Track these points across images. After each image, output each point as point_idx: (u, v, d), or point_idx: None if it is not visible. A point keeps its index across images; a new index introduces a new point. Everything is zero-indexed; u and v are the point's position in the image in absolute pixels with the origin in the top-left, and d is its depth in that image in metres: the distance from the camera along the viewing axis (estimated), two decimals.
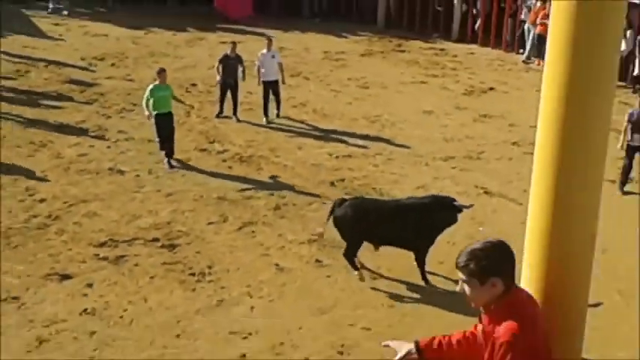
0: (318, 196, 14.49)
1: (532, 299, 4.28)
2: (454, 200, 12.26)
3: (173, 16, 24.65)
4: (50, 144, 16.22)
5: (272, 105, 17.94)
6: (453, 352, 4.42)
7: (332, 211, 12.00)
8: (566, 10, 4.13)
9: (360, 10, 25.63)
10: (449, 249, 12.88)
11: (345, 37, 24.17)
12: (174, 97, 15.98)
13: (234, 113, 17.76)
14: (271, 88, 17.83)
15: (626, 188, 15.29)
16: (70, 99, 18.53)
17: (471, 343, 4.41)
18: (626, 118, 15.18)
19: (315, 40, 23.69)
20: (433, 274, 12.19)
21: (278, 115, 18.04)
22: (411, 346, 4.48)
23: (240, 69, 17.66)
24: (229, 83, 17.64)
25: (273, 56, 17.88)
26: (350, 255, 11.77)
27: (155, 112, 15.53)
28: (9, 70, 20.02)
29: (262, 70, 17.80)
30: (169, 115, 15.62)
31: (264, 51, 17.87)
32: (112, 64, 20.69)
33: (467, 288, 4.28)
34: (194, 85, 19.69)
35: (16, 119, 17.25)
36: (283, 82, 18.16)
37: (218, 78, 17.69)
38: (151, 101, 15.48)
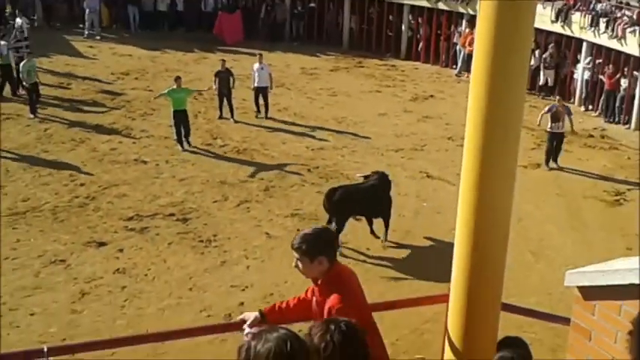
0: (298, 179, 14.52)
1: (349, 272, 4.22)
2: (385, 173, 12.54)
3: (183, 40, 24.45)
4: (88, 140, 16.10)
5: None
6: (290, 314, 4.29)
7: (329, 199, 11.89)
8: (487, 34, 4.19)
9: (329, 35, 25.54)
10: (400, 220, 13.02)
11: (318, 57, 24.10)
12: (191, 92, 16.66)
13: (232, 116, 17.71)
14: (261, 92, 17.95)
15: (551, 165, 15.69)
16: (103, 105, 18.37)
17: (304, 306, 4.27)
18: (546, 109, 15.92)
19: (294, 58, 23.61)
20: (388, 240, 12.31)
21: (266, 117, 17.99)
22: (257, 313, 4.31)
23: (230, 80, 17.63)
24: (224, 92, 17.61)
25: (262, 68, 18.00)
26: (339, 231, 11.70)
27: (173, 110, 15.86)
28: (54, 82, 19.82)
29: (255, 79, 17.93)
30: (184, 111, 15.91)
31: (257, 64, 18.00)
32: (135, 78, 20.53)
33: (300, 264, 4.15)
34: (200, 94, 19.51)
35: (61, 121, 17.09)
36: (271, 89, 18.18)
37: (215, 87, 17.67)
38: (170, 101, 15.95)
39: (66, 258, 11.29)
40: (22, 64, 17.40)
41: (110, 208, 13.03)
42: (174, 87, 16.05)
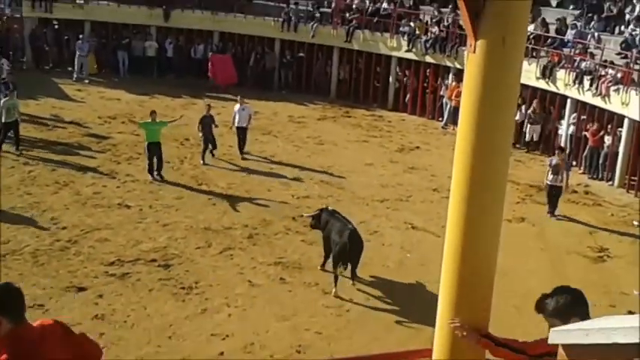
0: (282, 227, 14.47)
1: (42, 336, 4.00)
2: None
3: (171, 85, 24.59)
4: (72, 183, 16.02)
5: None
6: None
7: (354, 240, 12.02)
8: (473, 88, 4.23)
9: (317, 85, 25.78)
10: (384, 270, 12.98)
11: (305, 105, 24.28)
12: (164, 124, 17.15)
13: (212, 150, 18.26)
14: (241, 132, 18.68)
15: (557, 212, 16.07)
16: (89, 148, 18.33)
17: None
18: (548, 163, 16.38)
19: (282, 107, 23.76)
20: (369, 292, 12.25)
21: (242, 155, 18.57)
22: None
23: (213, 125, 18.10)
24: (209, 138, 18.06)
25: (243, 109, 18.72)
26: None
27: (147, 142, 16.55)
28: (41, 125, 19.81)
29: (236, 119, 18.63)
30: (158, 144, 16.57)
31: (237, 105, 18.76)
32: (122, 122, 20.57)
33: None
34: (187, 139, 19.61)
35: (46, 164, 17.03)
36: (250, 124, 18.93)
37: (200, 135, 18.10)
38: (145, 133, 16.74)
39: (44, 302, 11.12)
40: (2, 101, 17.48)
41: (91, 252, 12.89)
42: (150, 120, 16.79)
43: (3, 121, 17.34)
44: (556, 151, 16.81)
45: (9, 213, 14.21)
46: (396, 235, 14.59)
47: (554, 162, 15.92)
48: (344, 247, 12.00)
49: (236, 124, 18.65)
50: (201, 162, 18.02)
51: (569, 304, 3.91)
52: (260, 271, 12.68)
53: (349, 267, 12.21)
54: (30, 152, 17.62)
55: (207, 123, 17.99)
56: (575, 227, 15.67)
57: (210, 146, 18.20)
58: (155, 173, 16.54)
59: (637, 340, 2.79)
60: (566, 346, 3.25)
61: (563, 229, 15.55)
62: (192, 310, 11.27)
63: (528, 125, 20.78)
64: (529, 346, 4.26)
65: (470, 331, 4.28)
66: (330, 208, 13.23)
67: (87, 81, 24.49)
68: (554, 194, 15.94)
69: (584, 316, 3.87)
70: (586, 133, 19.31)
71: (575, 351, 3.19)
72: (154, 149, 16.49)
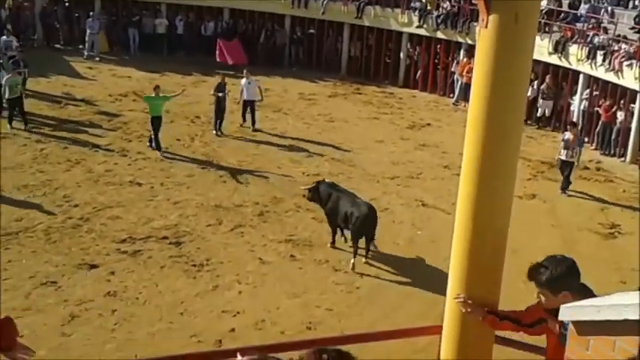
0: (293, 205, 14.47)
1: None
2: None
3: (182, 63, 24.51)
4: (83, 161, 16.06)
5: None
6: None
7: (372, 213, 12.24)
8: (485, 64, 4.19)
9: (327, 62, 25.64)
10: (394, 248, 12.99)
11: (316, 83, 24.17)
12: (168, 98, 17.36)
13: (220, 125, 18.53)
14: (250, 105, 18.91)
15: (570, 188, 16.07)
16: (100, 126, 18.36)
17: None
18: (561, 138, 16.46)
19: (292, 84, 23.67)
20: (379, 268, 12.27)
21: (253, 129, 18.75)
22: None
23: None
24: (221, 107, 18.40)
25: (250, 82, 18.85)
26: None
27: (151, 116, 16.84)
28: (52, 103, 19.84)
29: (244, 93, 18.81)
30: (160, 117, 16.88)
31: (244, 79, 18.90)
32: (133, 100, 20.51)
33: None
34: (198, 117, 19.60)
35: (57, 142, 17.07)
36: (261, 99, 19.13)
37: (213, 100, 18.48)
38: (148, 107, 17.05)
39: (57, 280, 11.20)
40: (5, 79, 17.60)
41: (103, 230, 12.95)
42: (153, 94, 16.99)
43: (7, 97, 17.51)
44: (568, 127, 16.72)
45: (22, 190, 14.28)
46: (406, 213, 14.57)
47: (566, 137, 15.87)
48: (364, 220, 12.09)
49: (244, 98, 18.86)
50: (214, 132, 18.36)
51: (562, 276, 3.91)
52: (270, 249, 12.72)
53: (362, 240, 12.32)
54: (42, 130, 17.66)
55: (222, 90, 18.39)
56: (586, 203, 15.60)
57: (220, 117, 18.46)
58: (155, 145, 16.91)
59: None
60: (576, 323, 3.24)
61: (574, 205, 15.48)
62: (203, 287, 11.32)
63: (541, 100, 20.63)
64: (523, 316, 4.30)
65: (475, 307, 4.29)
66: (327, 180, 13.36)
67: (98, 59, 24.45)
68: (566, 170, 15.88)
69: (576, 287, 3.89)
70: (598, 108, 19.16)
71: (586, 327, 3.18)
72: (157, 123, 16.84)
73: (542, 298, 4.02)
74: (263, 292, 11.31)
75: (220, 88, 18.43)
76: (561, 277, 3.89)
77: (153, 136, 16.87)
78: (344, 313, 10.90)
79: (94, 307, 10.57)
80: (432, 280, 11.48)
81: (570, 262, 3.96)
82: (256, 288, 11.44)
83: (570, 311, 3.29)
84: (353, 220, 12.19)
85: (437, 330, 4.75)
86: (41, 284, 11.02)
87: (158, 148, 16.78)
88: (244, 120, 19.03)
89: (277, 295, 11.25)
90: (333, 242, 12.83)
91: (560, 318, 3.43)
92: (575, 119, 19.66)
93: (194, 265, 11.94)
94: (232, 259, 12.24)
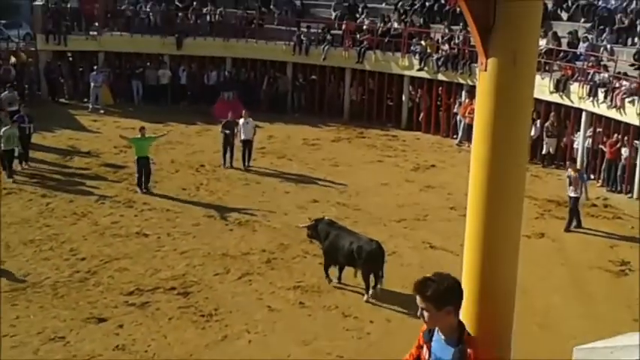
0: (300, 251, 14.44)
1: None
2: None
3: (185, 113, 24.76)
4: (90, 214, 16.11)
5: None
6: None
7: (380, 250, 12.51)
8: (487, 107, 4.22)
9: (330, 107, 25.85)
10: (403, 291, 12.89)
11: (319, 127, 24.32)
12: (154, 139, 18.30)
13: (231, 160, 19.67)
14: (247, 145, 19.68)
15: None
16: (105, 179, 18.46)
17: None
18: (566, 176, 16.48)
19: (296, 130, 23.83)
20: (389, 312, 12.19)
21: (248, 166, 19.56)
22: None
23: (235, 129, 19.58)
24: (229, 141, 19.48)
25: (248, 123, 19.68)
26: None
27: (136, 156, 17.57)
28: (58, 156, 19.98)
29: (242, 133, 19.60)
30: (147, 158, 17.65)
31: (242, 119, 19.68)
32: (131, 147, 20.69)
33: None
34: (202, 165, 19.71)
35: (63, 195, 17.15)
36: (254, 135, 19.90)
37: (222, 136, 19.57)
38: (134, 149, 17.80)
39: (65, 335, 11.13)
40: (2, 130, 17.93)
41: (111, 282, 12.92)
42: (139, 136, 17.76)
43: (3, 148, 17.84)
44: (568, 163, 16.94)
45: (28, 245, 14.29)
46: (414, 255, 14.51)
47: (568, 173, 16.19)
48: (375, 256, 12.39)
49: (242, 137, 19.53)
50: (222, 164, 19.37)
51: (448, 291, 3.94)
52: (279, 296, 12.65)
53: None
54: (47, 184, 17.76)
55: (229, 127, 19.33)
56: (595, 241, 15.52)
57: (229, 152, 19.43)
58: (143, 186, 17.47)
59: None
60: None
61: (583, 243, 15.40)
62: (212, 338, 11.23)
63: (546, 138, 20.69)
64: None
65: None
66: (326, 218, 13.61)
67: (102, 111, 24.70)
68: (572, 206, 15.93)
69: (458, 306, 3.96)
70: (602, 146, 19.19)
71: None
72: (143, 163, 17.52)
73: (426, 315, 4.00)
74: (273, 341, 11.21)
75: (228, 125, 19.38)
76: (447, 292, 3.91)
77: (137, 177, 17.52)
78: None
79: None
80: None
81: (458, 283, 4.03)
82: (266, 336, 11.35)
83: (583, 353, 3.27)
84: (363, 255, 12.38)
85: None
86: (49, 340, 10.95)
87: (145, 186, 17.47)
88: (246, 163, 19.60)
89: (287, 343, 11.15)
90: (327, 276, 13.11)
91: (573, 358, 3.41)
92: (579, 157, 19.70)
93: (202, 316, 11.86)
94: (241, 308, 12.17)
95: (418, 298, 3.99)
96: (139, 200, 16.98)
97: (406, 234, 15.58)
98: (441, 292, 3.91)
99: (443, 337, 4.03)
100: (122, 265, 13.63)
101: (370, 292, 12.49)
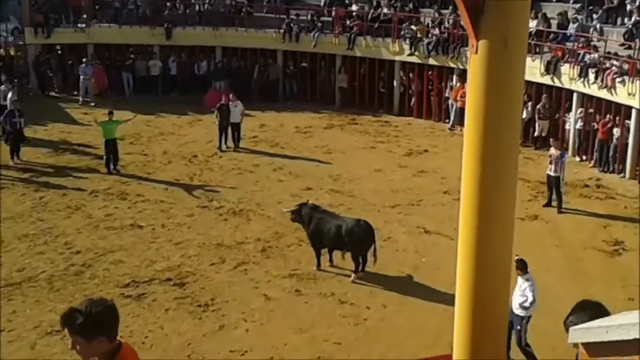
0: (295, 239, 14.44)
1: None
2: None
3: (177, 103, 24.67)
4: (83, 207, 16.07)
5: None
6: None
7: (370, 229, 12.69)
8: (478, 90, 4.22)
9: (322, 94, 25.79)
10: (399, 276, 12.94)
11: (311, 115, 24.30)
12: (120, 122, 18.94)
13: (236, 144, 20.34)
14: (234, 127, 20.24)
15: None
16: (98, 171, 18.40)
17: None
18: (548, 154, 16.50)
19: (288, 117, 23.80)
20: (386, 298, 12.21)
21: (237, 147, 20.21)
22: None
23: (232, 111, 20.10)
24: (223, 125, 20.03)
25: (236, 106, 20.16)
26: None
27: (104, 139, 18.24)
28: (50, 150, 19.91)
29: (230, 116, 20.07)
30: (114, 140, 18.41)
31: (230, 103, 20.10)
32: (130, 143, 20.63)
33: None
34: (195, 156, 19.67)
35: (56, 189, 17.10)
36: (241, 120, 20.44)
37: (216, 121, 20.07)
38: (102, 131, 18.48)
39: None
40: None
41: (106, 275, 12.91)
42: (106, 119, 18.54)
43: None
44: (551, 141, 17.10)
45: (22, 240, 14.26)
46: (409, 240, 14.54)
47: (550, 152, 16.26)
48: (366, 237, 12.54)
49: (230, 120, 20.09)
50: (218, 148, 19.84)
51: (98, 321, 3.59)
52: (275, 285, 12.67)
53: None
54: (40, 178, 17.70)
55: (224, 110, 19.81)
56: (589, 221, 15.58)
57: (224, 134, 20.01)
58: (112, 167, 18.22)
59: None
60: (586, 344, 3.22)
61: (576, 224, 15.46)
62: (209, 328, 11.25)
63: (538, 120, 20.71)
64: None
65: None
66: (310, 202, 13.72)
67: (93, 104, 24.58)
68: (553, 185, 16.07)
69: (112, 335, 3.63)
70: (595, 123, 19.21)
71: (596, 348, 3.16)
72: (111, 145, 18.26)
73: (78, 348, 3.65)
74: (270, 329, 11.24)
75: (222, 109, 19.90)
76: (97, 323, 3.56)
77: (105, 159, 18.21)
78: (352, 346, 10.82)
79: None
80: (439, 307, 11.42)
81: (109, 306, 3.67)
82: (263, 325, 11.37)
83: (579, 333, 3.28)
84: (354, 237, 12.50)
85: (447, 359, 4.72)
86: (46, 334, 10.95)
87: (114, 167, 18.21)
88: (226, 143, 20.19)
89: (284, 331, 11.18)
90: (319, 265, 13.11)
91: (569, 340, 3.41)
92: (571, 138, 19.73)
93: (199, 306, 11.87)
94: (237, 297, 12.19)
95: (66, 331, 3.64)
96: (132, 192, 16.95)
97: (400, 219, 15.60)
98: (90, 324, 3.55)
99: None
100: (117, 257, 13.62)
101: (355, 275, 12.67)
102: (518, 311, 10.21)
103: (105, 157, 18.31)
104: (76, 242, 14.23)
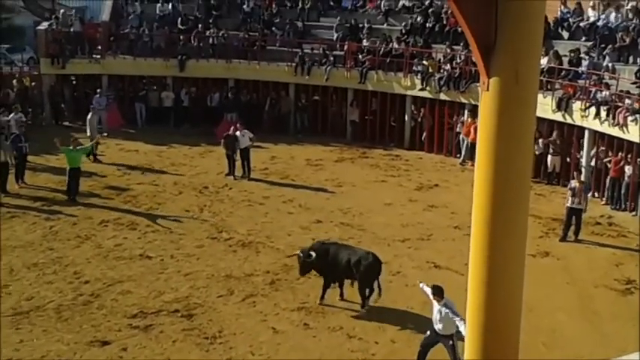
0: None
1: None
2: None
3: (189, 134, 24.79)
4: (93, 237, 16.11)
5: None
6: None
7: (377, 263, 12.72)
8: (489, 127, 4.23)
9: (333, 127, 25.88)
10: (408, 311, 12.85)
11: (322, 148, 24.35)
12: (86, 150, 19.56)
13: (247, 174, 20.66)
14: (244, 153, 20.63)
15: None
16: (109, 200, 18.48)
17: None
18: (568, 187, 16.72)
19: (298, 150, 23.86)
20: (394, 333, 12.10)
21: (248, 178, 20.41)
22: None
23: (236, 143, 20.57)
24: (228, 154, 20.56)
25: (244, 135, 20.55)
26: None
27: (69, 167, 18.33)
28: (61, 180, 19.99)
29: (239, 143, 20.58)
30: (78, 169, 18.56)
31: (238, 133, 20.60)
32: (142, 173, 20.72)
33: None
34: (206, 187, 19.72)
35: (66, 218, 17.16)
36: (252, 143, 20.91)
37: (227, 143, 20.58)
38: (67, 159, 18.55)
39: (69, 358, 11.11)
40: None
41: (114, 305, 12.90)
42: (71, 147, 18.62)
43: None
44: (574, 174, 17.24)
45: (31, 269, 14.28)
46: (419, 275, 14.42)
47: (572, 185, 16.27)
48: (373, 269, 12.54)
49: (240, 147, 20.54)
50: (226, 174, 20.38)
51: None
52: (283, 318, 12.61)
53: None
54: (51, 207, 17.78)
55: (230, 141, 20.34)
56: (600, 259, 15.47)
57: (233, 165, 20.48)
58: (72, 196, 18.26)
59: None
60: None
61: (588, 261, 15.35)
62: None
63: (550, 156, 20.68)
64: None
65: None
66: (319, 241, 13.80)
67: (105, 134, 24.74)
68: (574, 217, 16.11)
69: None
70: (607, 161, 19.15)
71: None
72: (75, 173, 18.38)
73: None
74: None
75: (228, 140, 20.42)
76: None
77: (68, 187, 18.26)
78: None
79: None
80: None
81: None
82: (270, 358, 11.29)
83: None
84: (362, 268, 12.51)
85: None
86: None
87: (74, 196, 18.18)
88: (243, 171, 20.56)
89: None
90: (322, 298, 13.08)
91: None
92: (583, 175, 19.68)
93: (206, 338, 11.82)
94: (245, 330, 12.13)
95: None
96: (142, 222, 16.98)
97: (410, 254, 15.54)
98: None
99: None
100: (126, 287, 13.61)
101: (364, 309, 12.68)
102: (443, 332, 10.42)
103: (68, 184, 18.38)
104: (85, 272, 14.25)
